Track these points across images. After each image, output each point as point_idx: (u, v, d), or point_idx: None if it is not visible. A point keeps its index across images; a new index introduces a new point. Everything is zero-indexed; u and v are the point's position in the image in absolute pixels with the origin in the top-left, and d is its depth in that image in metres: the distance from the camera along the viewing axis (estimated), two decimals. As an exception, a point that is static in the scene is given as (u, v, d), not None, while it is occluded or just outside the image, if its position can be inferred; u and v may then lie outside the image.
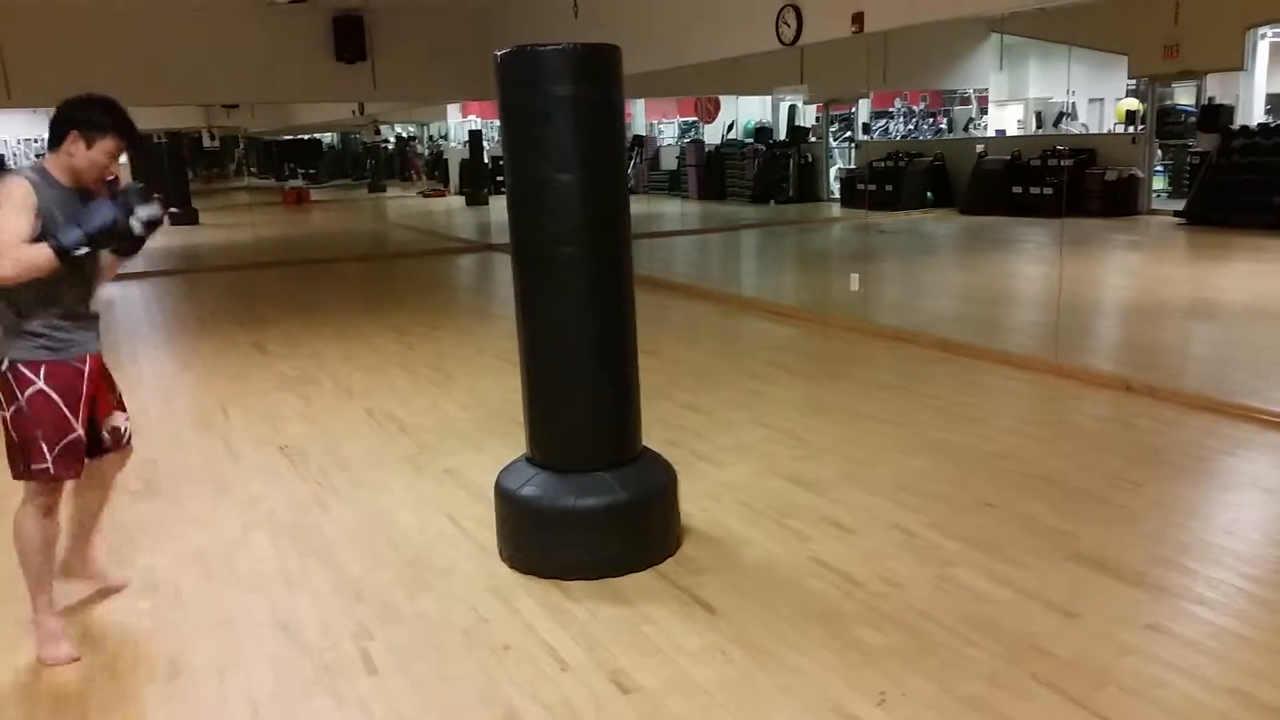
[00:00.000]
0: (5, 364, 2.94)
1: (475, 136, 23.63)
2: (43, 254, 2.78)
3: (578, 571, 3.47)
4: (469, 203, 22.72)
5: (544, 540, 3.54)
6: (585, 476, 3.54)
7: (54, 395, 2.97)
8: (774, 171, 19.22)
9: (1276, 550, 3.58)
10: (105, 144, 2.99)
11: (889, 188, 16.78)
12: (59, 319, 2.99)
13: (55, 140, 2.96)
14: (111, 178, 3.11)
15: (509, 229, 3.61)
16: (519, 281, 3.61)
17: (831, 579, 3.41)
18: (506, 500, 3.63)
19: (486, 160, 23.94)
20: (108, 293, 10.82)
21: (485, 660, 2.97)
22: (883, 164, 17.17)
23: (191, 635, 3.20)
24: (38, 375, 2.95)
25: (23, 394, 2.93)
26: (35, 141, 22.41)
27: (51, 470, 2.99)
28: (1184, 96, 16.03)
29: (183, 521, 4.20)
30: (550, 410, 3.65)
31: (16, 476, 3.03)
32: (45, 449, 2.97)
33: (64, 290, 2.98)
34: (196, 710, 2.79)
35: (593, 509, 3.47)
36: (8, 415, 2.97)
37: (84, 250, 2.85)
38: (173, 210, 19.97)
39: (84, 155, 2.97)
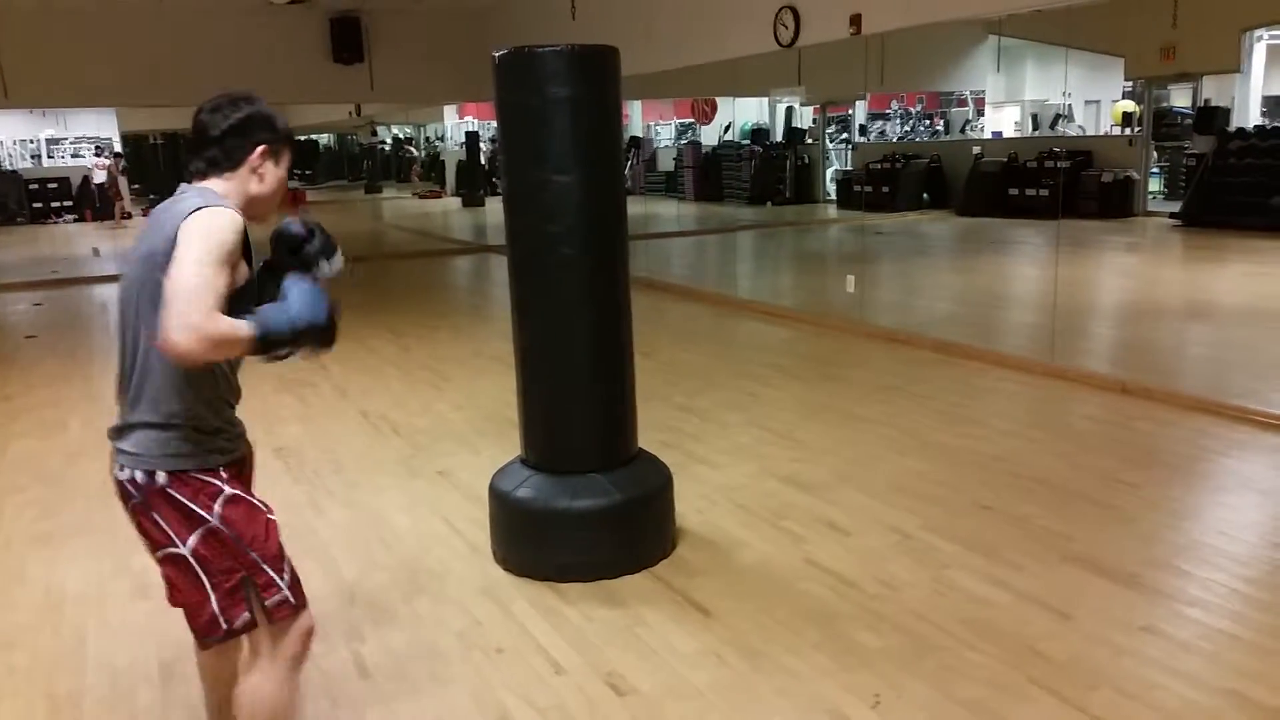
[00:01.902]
0: (166, 476, 2.04)
1: (472, 138, 23.63)
2: (242, 336, 1.93)
3: (572, 573, 3.46)
4: (465, 204, 22.71)
5: (538, 542, 3.54)
6: (579, 478, 3.53)
7: (249, 499, 2.16)
8: (771, 173, 19.23)
9: (1271, 552, 3.58)
10: (286, 161, 2.24)
11: (885, 189, 16.79)
12: (229, 403, 2.24)
13: (231, 159, 2.12)
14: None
15: (506, 230, 3.61)
16: (515, 283, 3.61)
17: (827, 581, 3.41)
18: (500, 502, 3.63)
19: (483, 162, 23.94)
20: (102, 294, 10.69)
21: (479, 663, 2.96)
22: (879, 166, 17.18)
23: (186, 638, 3.16)
24: (222, 480, 2.11)
25: (211, 508, 2.06)
26: (31, 142, 22.34)
27: (292, 599, 2.14)
28: (1180, 99, 16.07)
29: (178, 524, 4.18)
30: (545, 412, 3.64)
31: (234, 631, 2.10)
32: (273, 572, 2.11)
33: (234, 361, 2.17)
34: (190, 713, 2.77)
35: (587, 511, 3.47)
36: (189, 546, 2.05)
37: (285, 352, 2.08)
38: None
39: (273, 177, 2.20)
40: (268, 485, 4.59)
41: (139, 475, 2.03)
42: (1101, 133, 17.60)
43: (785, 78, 11.06)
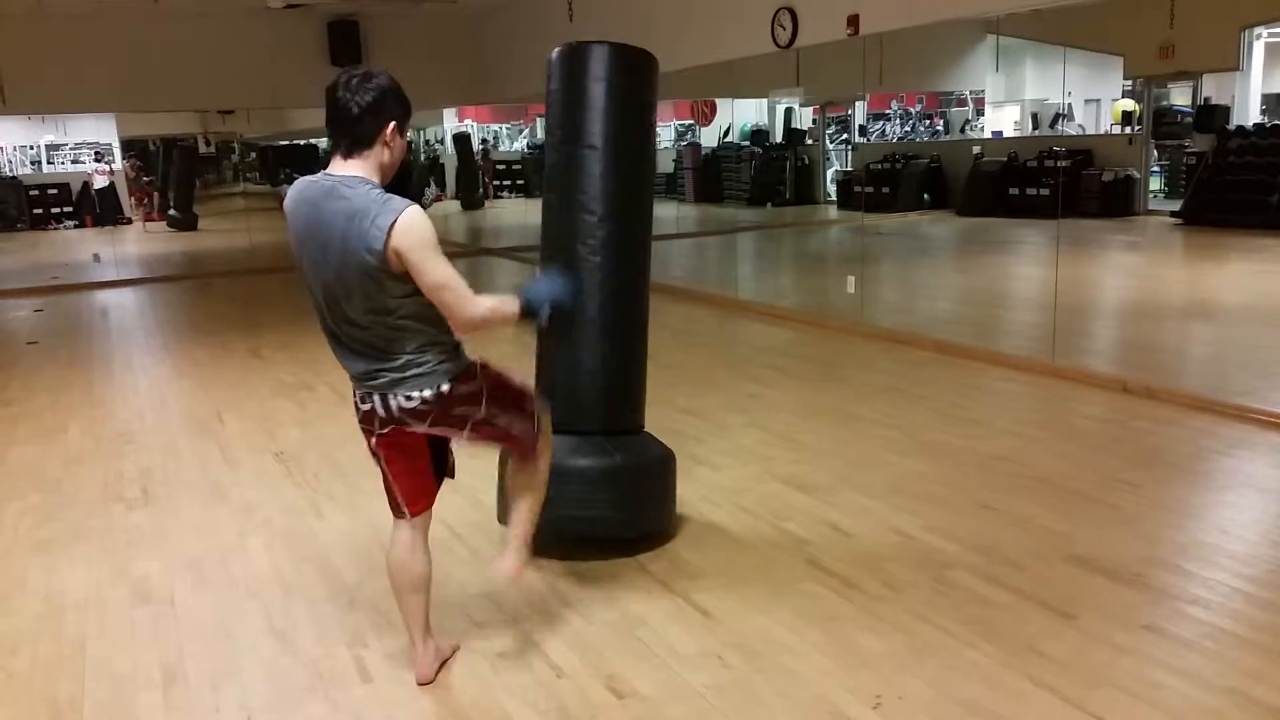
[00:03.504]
0: (449, 380, 2.57)
1: (463, 140, 23.36)
2: (510, 311, 2.57)
3: (570, 529, 3.56)
4: (465, 207, 22.65)
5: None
6: (583, 438, 3.59)
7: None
8: (770, 174, 19.21)
9: (1273, 550, 3.58)
10: (407, 128, 2.52)
11: (886, 190, 16.78)
12: None
13: (367, 138, 2.39)
14: None
15: (542, 199, 3.79)
16: (545, 245, 3.73)
17: (828, 582, 3.40)
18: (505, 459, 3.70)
19: (480, 163, 23.83)
20: (103, 299, 10.69)
21: (480, 667, 2.96)
22: (879, 166, 17.17)
23: (186, 643, 3.19)
24: (477, 374, 2.66)
25: (483, 380, 2.65)
26: (31, 148, 22.34)
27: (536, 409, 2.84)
28: (1180, 97, 16.05)
29: (178, 529, 4.19)
30: (556, 368, 3.69)
31: (531, 445, 2.82)
32: (526, 387, 2.82)
33: None
34: (191, 718, 2.77)
35: (587, 469, 3.52)
36: (484, 409, 2.65)
37: (540, 324, 2.65)
38: (174, 214, 20.00)
39: (399, 147, 2.48)
40: (268, 489, 4.62)
41: (428, 393, 2.54)
42: (1101, 132, 17.57)
43: (784, 79, 11.05)
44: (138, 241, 18.38)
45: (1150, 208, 14.55)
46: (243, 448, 5.29)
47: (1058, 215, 11.49)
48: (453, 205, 24.09)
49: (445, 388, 2.54)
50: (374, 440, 2.67)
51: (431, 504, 2.82)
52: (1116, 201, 14.23)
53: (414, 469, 2.74)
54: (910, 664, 2.86)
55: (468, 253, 14.92)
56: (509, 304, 2.55)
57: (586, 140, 3.57)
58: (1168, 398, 5.40)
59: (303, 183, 2.51)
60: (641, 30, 9.63)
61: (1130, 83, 16.07)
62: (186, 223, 19.73)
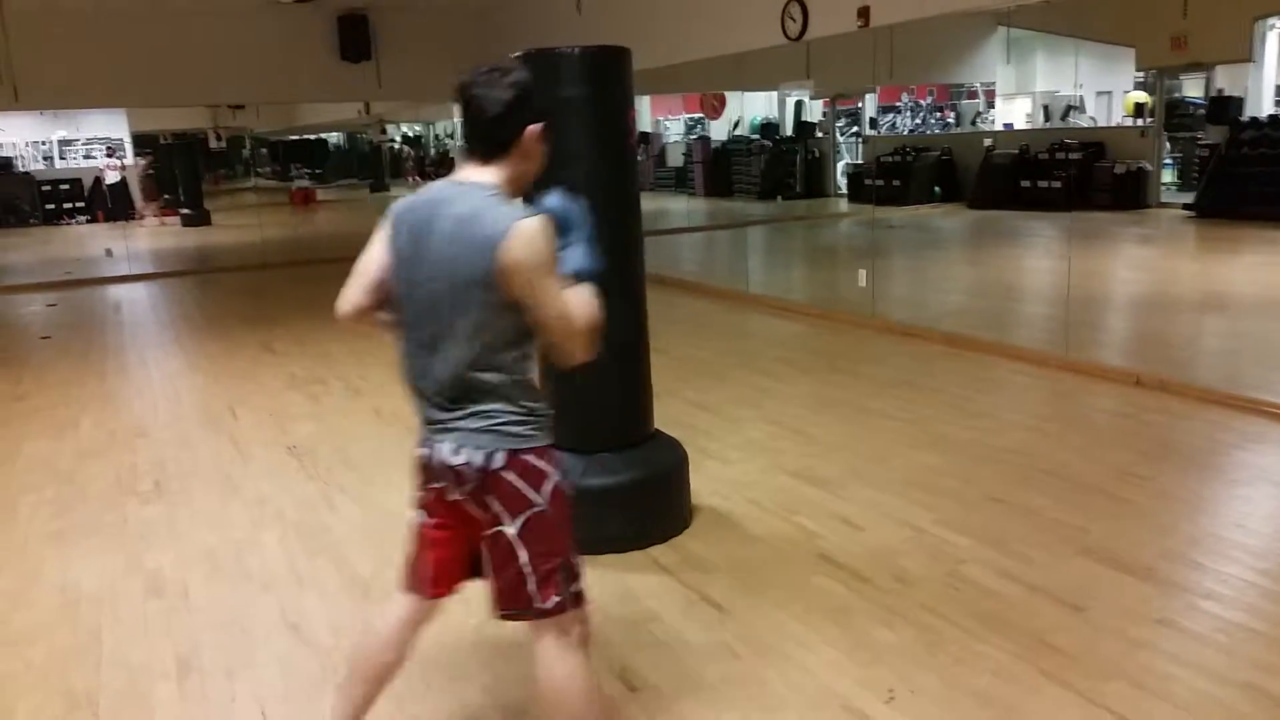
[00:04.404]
0: (509, 457, 2.09)
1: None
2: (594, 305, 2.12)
3: (583, 549, 3.53)
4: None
5: None
6: (591, 457, 3.63)
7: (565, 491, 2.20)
8: (780, 167, 19.17)
9: (1288, 544, 3.56)
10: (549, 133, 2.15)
11: (896, 182, 16.73)
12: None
13: (504, 143, 2.07)
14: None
15: None
16: None
17: (840, 576, 3.40)
18: None
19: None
20: (115, 294, 10.75)
21: (494, 659, 2.97)
22: (890, 159, 17.12)
23: (200, 635, 3.21)
24: (554, 465, 2.17)
25: (542, 492, 2.13)
26: (44, 144, 22.45)
27: (584, 590, 2.24)
28: (1192, 89, 15.95)
29: (191, 521, 4.21)
30: (560, 394, 3.70)
31: (552, 611, 2.16)
32: (576, 562, 2.22)
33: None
34: (206, 710, 2.79)
35: (596, 489, 3.55)
36: (532, 513, 2.11)
37: None
38: (185, 211, 20.09)
39: (541, 154, 2.15)
40: (281, 482, 4.64)
41: (478, 458, 2.09)
42: (1113, 124, 17.49)
43: (794, 71, 11.02)
44: (149, 236, 18.46)
45: (1163, 200, 14.47)
46: (255, 441, 5.31)
47: (1070, 208, 11.44)
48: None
49: (498, 461, 2.07)
50: (419, 495, 2.31)
51: (451, 592, 2.34)
52: (1129, 194, 14.16)
53: (456, 538, 2.26)
54: (922, 657, 2.86)
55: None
56: (582, 300, 2.09)
57: (562, 159, 3.47)
58: (1181, 391, 5.38)
59: (424, 189, 2.19)
60: (650, 23, 9.64)
61: (1142, 74, 15.98)
62: (199, 219, 19.82)
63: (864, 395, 5.69)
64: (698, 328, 8.03)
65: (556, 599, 2.15)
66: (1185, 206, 13.47)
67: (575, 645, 2.20)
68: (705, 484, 4.23)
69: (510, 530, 2.11)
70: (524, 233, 1.95)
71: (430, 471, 2.19)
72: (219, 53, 12.23)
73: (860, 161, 19.06)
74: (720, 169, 20.64)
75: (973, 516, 3.85)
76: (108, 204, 21.58)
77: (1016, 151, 15.65)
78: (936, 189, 16.91)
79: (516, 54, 3.53)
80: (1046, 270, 10.10)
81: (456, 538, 2.25)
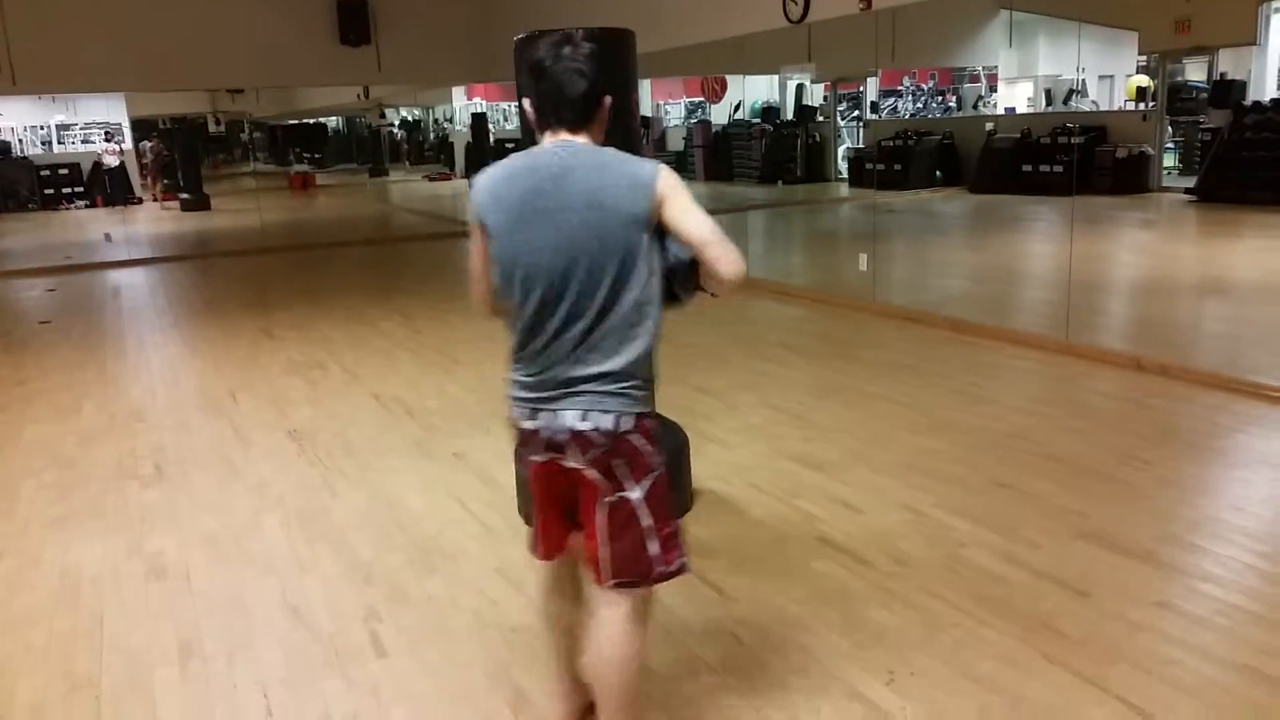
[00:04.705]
0: (636, 421, 2.13)
1: (479, 120, 23.53)
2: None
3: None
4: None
5: None
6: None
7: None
8: (781, 152, 19.12)
9: (1288, 528, 3.56)
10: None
11: (898, 167, 16.68)
12: None
13: (590, 115, 2.15)
14: None
15: None
16: None
17: (841, 560, 3.40)
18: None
19: (491, 143, 23.84)
20: (115, 279, 10.70)
21: (494, 643, 2.97)
22: (891, 143, 17.06)
23: (202, 619, 3.21)
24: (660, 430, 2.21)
25: (660, 457, 2.19)
26: (42, 129, 22.38)
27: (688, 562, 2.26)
28: (1195, 72, 15.89)
29: (192, 506, 4.21)
30: None
31: (674, 573, 2.21)
32: (680, 535, 2.25)
33: None
34: (207, 693, 2.80)
35: None
36: (644, 490, 2.15)
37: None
38: (185, 195, 20.06)
39: (605, 122, 2.21)
40: (280, 467, 4.64)
41: (606, 422, 2.10)
42: (1115, 108, 17.42)
43: (795, 55, 10.98)
44: (148, 221, 18.42)
45: (1164, 185, 14.44)
46: (255, 426, 5.31)
47: (1071, 192, 11.40)
48: (463, 184, 24.07)
49: (626, 426, 2.11)
50: (529, 468, 2.25)
51: (562, 552, 2.34)
52: (1130, 178, 14.12)
53: (558, 511, 2.29)
54: (923, 641, 2.86)
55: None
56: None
57: None
58: (1181, 375, 5.37)
59: (507, 162, 2.19)
60: (652, 5, 9.58)
61: (1145, 58, 15.91)
62: (198, 203, 19.79)
63: (864, 380, 5.68)
64: (698, 312, 7.98)
65: (681, 560, 2.21)
66: (1187, 191, 13.44)
67: (649, 615, 2.28)
68: (706, 468, 4.23)
69: (635, 495, 2.13)
70: (666, 168, 2.09)
71: (546, 442, 2.16)
72: (218, 36, 12.19)
73: (861, 146, 19.00)
74: (721, 153, 20.58)
75: (973, 500, 3.85)
76: (106, 189, 21.54)
77: (1018, 136, 15.60)
78: (938, 173, 16.86)
79: (520, 35, 3.51)
80: (1048, 255, 10.09)
81: (560, 506, 2.27)
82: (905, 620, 2.98)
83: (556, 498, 2.25)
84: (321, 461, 4.68)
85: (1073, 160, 14.21)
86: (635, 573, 2.18)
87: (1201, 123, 14.66)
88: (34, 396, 6.12)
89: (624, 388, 2.11)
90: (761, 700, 2.63)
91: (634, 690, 2.25)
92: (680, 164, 21.84)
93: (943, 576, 3.24)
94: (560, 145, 2.13)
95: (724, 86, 20.16)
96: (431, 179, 26.31)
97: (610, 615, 2.21)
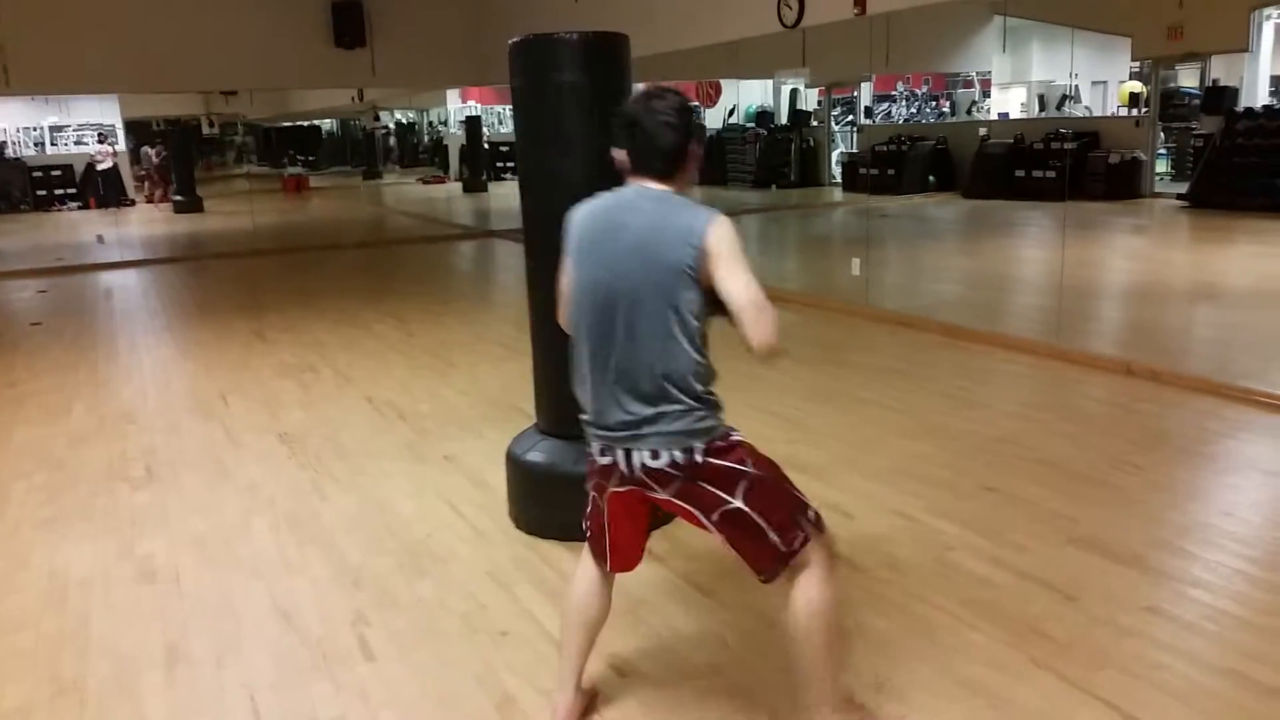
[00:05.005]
0: (707, 445, 2.26)
1: (473, 123, 23.50)
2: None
3: (575, 533, 3.54)
4: (466, 189, 22.62)
5: (544, 503, 3.69)
6: (581, 443, 3.59)
7: (748, 442, 2.39)
8: (775, 156, 19.15)
9: (1275, 532, 3.57)
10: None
11: (891, 172, 16.71)
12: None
13: (677, 161, 2.28)
14: None
15: (521, 209, 3.74)
16: (529, 258, 3.75)
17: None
18: (513, 465, 3.80)
19: (486, 146, 23.84)
20: (107, 281, 10.67)
21: (483, 646, 2.97)
22: (885, 148, 17.10)
23: (190, 622, 3.20)
24: (731, 430, 2.37)
25: (747, 462, 2.32)
26: (35, 130, 22.31)
27: (817, 520, 2.37)
28: (1188, 79, 15.93)
29: (182, 508, 4.20)
30: (552, 380, 3.74)
31: (799, 548, 2.29)
32: (802, 496, 2.40)
33: None
34: (195, 697, 2.79)
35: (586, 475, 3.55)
36: (742, 496, 2.27)
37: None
38: (178, 198, 20.02)
39: (697, 163, 2.36)
40: (272, 470, 4.63)
41: (679, 455, 2.23)
42: (1108, 114, 17.48)
43: (790, 59, 10.98)
44: (141, 223, 18.38)
45: (1156, 190, 14.48)
46: (246, 428, 5.30)
47: (1064, 197, 11.43)
48: (456, 187, 24.06)
49: (699, 454, 2.24)
50: (606, 495, 2.40)
51: (638, 563, 2.53)
52: (1123, 184, 14.17)
53: (637, 530, 2.48)
54: (912, 644, 2.86)
55: (472, 235, 14.90)
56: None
57: (560, 145, 3.50)
58: (1172, 380, 5.39)
59: (597, 199, 2.35)
60: (646, 9, 9.59)
61: (1138, 64, 15.96)
62: (191, 205, 19.75)
63: (856, 384, 5.69)
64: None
65: (801, 536, 2.29)
66: (1179, 197, 13.48)
67: (827, 572, 2.32)
68: (697, 472, 4.22)
69: (737, 503, 2.25)
70: (722, 223, 2.19)
71: (623, 478, 2.31)
72: (212, 38, 12.15)
73: (855, 150, 19.02)
74: (715, 157, 20.58)
75: (964, 505, 3.86)
76: (99, 190, 21.48)
77: (1011, 141, 15.64)
78: (931, 178, 16.89)
79: (514, 39, 3.52)
80: (1040, 260, 10.10)
81: (636, 526, 2.45)
82: (894, 624, 2.98)
83: (639, 516, 2.43)
84: (312, 465, 4.67)
85: (1066, 166, 14.25)
86: (770, 566, 2.30)
87: (1194, 129, 14.70)
88: (25, 398, 6.10)
89: (691, 423, 2.23)
90: (749, 705, 2.62)
91: (826, 649, 2.32)
92: (674, 168, 21.82)
93: (932, 581, 3.24)
94: (639, 190, 2.29)
95: (718, 91, 20.21)
96: (426, 182, 26.30)
97: (793, 599, 2.32)
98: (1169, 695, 2.57)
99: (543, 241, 3.68)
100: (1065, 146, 14.63)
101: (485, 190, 22.13)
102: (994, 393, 5.57)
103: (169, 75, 12.46)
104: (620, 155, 2.31)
